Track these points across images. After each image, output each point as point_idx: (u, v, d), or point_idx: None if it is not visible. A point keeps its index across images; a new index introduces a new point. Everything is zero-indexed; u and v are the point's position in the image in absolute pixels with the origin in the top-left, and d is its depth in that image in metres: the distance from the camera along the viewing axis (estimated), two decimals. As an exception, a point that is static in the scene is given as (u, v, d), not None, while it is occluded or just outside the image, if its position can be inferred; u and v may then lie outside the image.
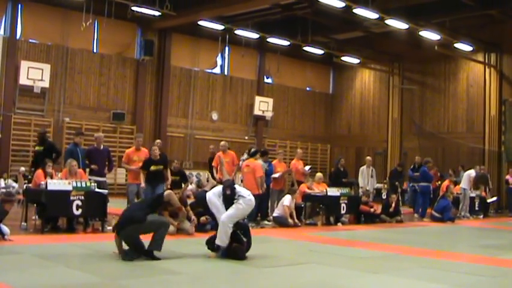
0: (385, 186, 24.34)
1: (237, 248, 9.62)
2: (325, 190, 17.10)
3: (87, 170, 14.60)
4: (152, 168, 14.48)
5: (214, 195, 10.08)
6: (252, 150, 17.28)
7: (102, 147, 15.18)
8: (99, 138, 15.34)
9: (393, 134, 32.75)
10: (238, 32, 27.93)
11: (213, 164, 17.18)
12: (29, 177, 20.06)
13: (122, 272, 8.55)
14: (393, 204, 18.56)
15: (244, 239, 9.70)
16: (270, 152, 19.19)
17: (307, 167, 18.96)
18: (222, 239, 9.68)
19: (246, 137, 31.91)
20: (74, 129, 22.90)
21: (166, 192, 10.44)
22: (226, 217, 9.75)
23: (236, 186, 10.39)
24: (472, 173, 21.81)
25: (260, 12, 27.28)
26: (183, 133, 29.53)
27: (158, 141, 17.02)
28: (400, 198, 20.29)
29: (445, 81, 31.12)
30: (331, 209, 16.95)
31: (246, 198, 9.95)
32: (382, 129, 33.45)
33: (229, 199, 9.91)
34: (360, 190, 20.98)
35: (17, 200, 17.47)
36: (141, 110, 28.49)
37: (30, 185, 13.94)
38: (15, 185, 22.28)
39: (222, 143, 17.37)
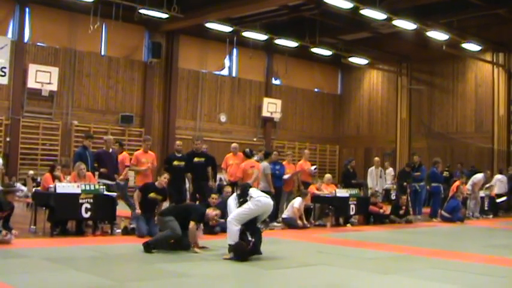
0: (394, 186, 24.28)
1: (238, 245, 9.60)
2: (334, 191, 17.08)
3: (96, 173, 14.57)
4: (151, 195, 12.72)
5: (232, 198, 10.43)
6: (264, 151, 17.29)
7: (111, 150, 15.18)
8: (109, 141, 15.31)
9: (402, 134, 32.71)
10: (246, 33, 27.96)
11: (222, 166, 17.12)
12: (38, 180, 20.11)
13: (132, 275, 8.56)
14: (404, 207, 18.46)
15: (251, 239, 9.67)
16: (278, 154, 19.02)
17: (313, 167, 18.91)
18: (231, 237, 9.75)
19: (255, 139, 31.91)
20: (82, 132, 22.93)
21: (191, 225, 10.48)
22: (231, 216, 9.93)
23: (252, 189, 10.41)
24: (478, 176, 21.70)
25: (268, 13, 27.30)
26: (192, 135, 29.44)
27: (234, 144, 17.15)
28: (409, 198, 20.22)
29: (453, 81, 31.07)
30: (341, 210, 16.91)
31: (255, 198, 9.97)
32: (391, 130, 33.43)
33: (240, 199, 10.09)
34: (369, 191, 20.93)
35: (26, 203, 17.57)
36: (149, 113, 28.55)
37: (39, 188, 13.94)
38: (24, 188, 22.34)
39: (234, 144, 17.29)
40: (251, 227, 9.86)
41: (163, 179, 12.79)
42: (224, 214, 11.39)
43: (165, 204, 13.21)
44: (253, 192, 10.23)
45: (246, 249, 9.55)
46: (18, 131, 24.65)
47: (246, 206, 9.91)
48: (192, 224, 10.46)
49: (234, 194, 10.49)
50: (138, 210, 12.65)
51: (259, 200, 10.00)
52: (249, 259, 9.51)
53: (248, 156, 16.38)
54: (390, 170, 24.08)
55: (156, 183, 12.94)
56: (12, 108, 24.67)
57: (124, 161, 15.34)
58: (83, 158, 14.11)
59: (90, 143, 14.90)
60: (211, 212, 10.86)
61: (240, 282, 8.41)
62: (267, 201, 10.17)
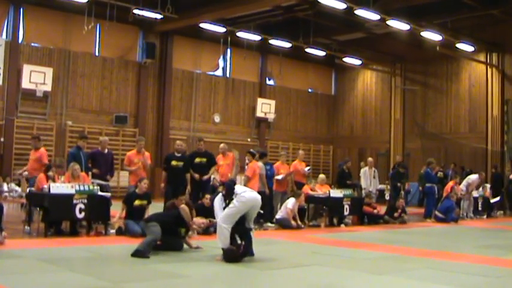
0: (388, 187, 24.33)
1: (230, 251, 9.54)
2: (328, 192, 17.09)
3: (90, 173, 14.56)
4: (136, 203, 12.78)
5: (218, 199, 10.10)
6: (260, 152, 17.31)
7: (106, 151, 15.17)
8: (104, 141, 15.32)
9: (395, 134, 32.75)
10: (240, 34, 27.94)
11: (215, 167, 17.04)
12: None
13: (126, 276, 8.54)
14: (399, 210, 18.43)
15: (241, 242, 9.61)
16: (272, 154, 19.04)
17: (306, 168, 18.93)
18: (221, 240, 9.66)
19: (249, 139, 31.92)
20: (76, 133, 22.93)
21: (181, 206, 10.77)
22: (220, 219, 9.75)
23: (236, 186, 10.19)
24: (473, 177, 21.73)
25: (262, 14, 27.32)
26: (186, 135, 29.47)
27: (222, 145, 17.03)
28: (403, 199, 20.26)
29: (447, 81, 31.12)
30: (334, 211, 16.92)
31: (239, 194, 9.74)
32: (385, 130, 33.47)
33: (226, 200, 9.87)
34: (363, 191, 20.95)
35: (20, 204, 17.50)
36: (143, 113, 28.52)
37: (33, 188, 13.89)
38: (18, 189, 22.31)
39: (222, 145, 17.07)
40: (240, 229, 9.73)
41: (143, 185, 13.05)
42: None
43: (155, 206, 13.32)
44: (238, 188, 9.98)
45: (237, 255, 9.48)
46: (12, 131, 24.59)
47: (231, 205, 9.68)
48: (182, 205, 10.76)
49: (220, 195, 10.20)
50: (114, 220, 12.88)
51: (244, 195, 9.76)
52: (242, 260, 9.50)
53: (255, 156, 16.37)
54: (365, 170, 23.67)
55: (137, 190, 13.12)
56: (7, 108, 24.60)
57: (42, 158, 14.52)
58: (77, 158, 14.13)
59: (84, 144, 14.92)
60: (198, 220, 10.89)
61: (234, 282, 8.41)
62: (252, 195, 9.98)
